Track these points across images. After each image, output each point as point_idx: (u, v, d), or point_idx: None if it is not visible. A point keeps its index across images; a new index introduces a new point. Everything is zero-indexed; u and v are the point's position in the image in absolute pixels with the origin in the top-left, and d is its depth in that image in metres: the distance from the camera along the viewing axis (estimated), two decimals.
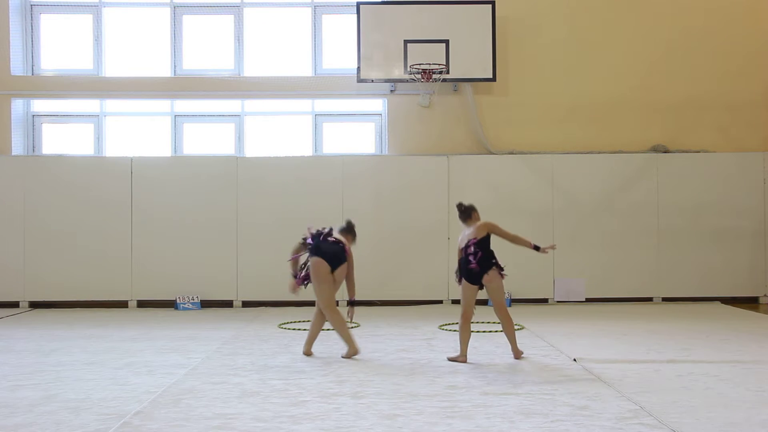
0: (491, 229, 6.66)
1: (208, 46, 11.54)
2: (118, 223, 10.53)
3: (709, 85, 11.18)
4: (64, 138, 11.52)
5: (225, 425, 4.52)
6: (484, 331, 7.97)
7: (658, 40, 11.20)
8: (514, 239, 6.68)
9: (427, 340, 7.60)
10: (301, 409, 4.87)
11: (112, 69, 11.46)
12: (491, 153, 10.95)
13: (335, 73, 11.29)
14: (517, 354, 6.68)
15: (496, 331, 7.97)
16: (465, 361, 6.51)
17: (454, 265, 10.31)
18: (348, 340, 6.72)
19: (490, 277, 6.56)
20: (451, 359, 6.58)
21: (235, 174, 10.60)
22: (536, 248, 6.62)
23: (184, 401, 5.09)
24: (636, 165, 10.78)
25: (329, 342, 7.46)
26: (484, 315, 9.10)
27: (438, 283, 10.57)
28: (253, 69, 11.47)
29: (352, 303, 6.83)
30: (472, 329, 6.69)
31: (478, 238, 6.56)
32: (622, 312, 9.67)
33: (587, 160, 10.80)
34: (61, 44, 11.48)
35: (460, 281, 6.68)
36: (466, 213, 6.77)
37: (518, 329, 8.21)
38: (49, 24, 11.48)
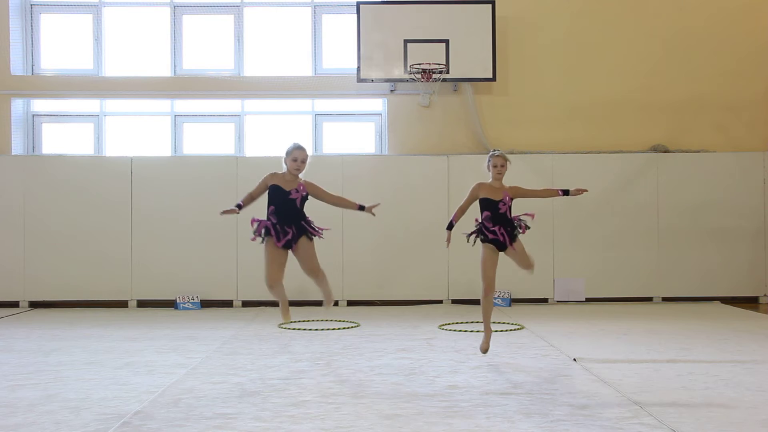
0: (516, 193, 6.69)
1: (208, 46, 11.53)
2: (118, 223, 10.52)
3: (709, 85, 11.18)
4: (64, 138, 11.52)
5: (225, 425, 4.52)
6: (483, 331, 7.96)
7: (658, 40, 11.20)
8: (543, 192, 6.77)
9: (427, 340, 7.59)
10: (301, 409, 4.87)
11: (112, 69, 11.46)
12: None
13: (335, 73, 11.29)
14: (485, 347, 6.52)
15: (497, 331, 7.96)
16: (488, 345, 6.36)
17: (454, 264, 10.50)
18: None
19: (518, 241, 6.45)
20: (482, 349, 6.40)
21: (235, 174, 10.59)
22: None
23: (184, 401, 5.09)
24: (636, 165, 10.79)
25: (328, 342, 7.46)
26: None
27: (438, 283, 10.57)
28: (253, 69, 11.47)
29: (362, 208, 6.73)
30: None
31: (512, 197, 6.59)
32: (622, 312, 9.67)
33: (587, 160, 10.80)
34: (61, 44, 11.47)
35: (480, 240, 6.42)
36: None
37: (518, 329, 8.23)
38: (49, 24, 11.47)
